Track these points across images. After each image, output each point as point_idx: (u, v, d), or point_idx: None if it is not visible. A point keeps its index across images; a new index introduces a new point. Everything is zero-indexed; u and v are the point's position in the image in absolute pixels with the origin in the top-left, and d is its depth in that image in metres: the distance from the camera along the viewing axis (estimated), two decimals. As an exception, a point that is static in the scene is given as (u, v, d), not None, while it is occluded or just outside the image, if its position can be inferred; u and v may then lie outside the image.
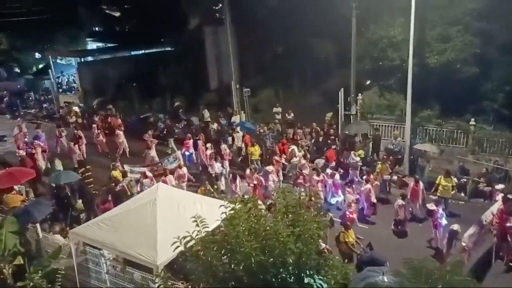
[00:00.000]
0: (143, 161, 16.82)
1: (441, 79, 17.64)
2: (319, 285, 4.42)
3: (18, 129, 19.51)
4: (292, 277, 4.42)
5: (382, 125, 18.69)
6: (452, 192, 12.99)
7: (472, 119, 16.68)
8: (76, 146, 18.00)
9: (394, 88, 19.20)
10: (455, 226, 10.04)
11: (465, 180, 14.69)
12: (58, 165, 15.84)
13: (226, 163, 16.61)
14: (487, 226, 10.14)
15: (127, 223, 8.75)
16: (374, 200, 13.07)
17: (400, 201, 12.09)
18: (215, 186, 14.15)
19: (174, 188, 10.87)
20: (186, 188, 14.04)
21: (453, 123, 17.32)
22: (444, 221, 11.11)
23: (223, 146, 17.28)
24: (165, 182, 13.55)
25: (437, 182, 13.01)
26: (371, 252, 9.62)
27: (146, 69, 27.43)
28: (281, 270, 4.40)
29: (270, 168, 14.60)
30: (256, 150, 16.79)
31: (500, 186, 12.69)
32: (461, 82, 17.32)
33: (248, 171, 14.50)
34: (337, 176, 13.99)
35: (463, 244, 9.39)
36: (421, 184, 12.88)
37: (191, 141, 17.78)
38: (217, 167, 15.53)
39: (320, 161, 15.80)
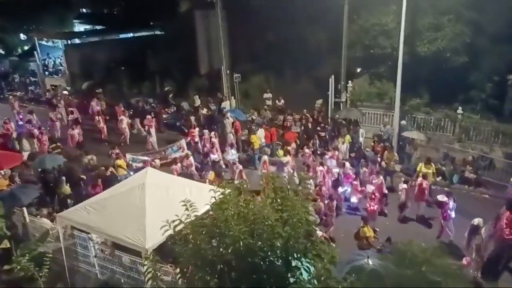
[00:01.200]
0: (145, 149, 16.83)
1: (431, 68, 17.74)
2: (306, 268, 4.48)
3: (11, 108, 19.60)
4: (280, 260, 4.47)
5: (371, 113, 18.84)
6: (433, 179, 13.22)
7: (460, 108, 16.90)
8: (75, 131, 17.82)
9: (385, 76, 19.27)
10: (476, 221, 9.78)
11: (450, 167, 14.94)
12: (26, 145, 15.68)
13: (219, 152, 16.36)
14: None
15: (116, 207, 8.74)
16: (385, 191, 12.96)
17: (403, 185, 12.54)
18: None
19: (163, 173, 10.81)
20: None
21: (441, 112, 17.52)
22: (453, 214, 11.02)
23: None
24: (176, 170, 13.71)
25: (418, 169, 13.29)
26: (391, 246, 9.48)
27: (135, 53, 26.98)
28: (269, 253, 4.44)
29: (285, 159, 14.17)
30: (257, 139, 16.62)
31: None
32: (451, 71, 17.44)
33: (265, 157, 14.59)
34: (347, 164, 13.72)
35: (483, 234, 9.39)
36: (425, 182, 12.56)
37: (196, 130, 17.58)
38: (231, 154, 15.25)
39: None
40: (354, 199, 13.01)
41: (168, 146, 16.45)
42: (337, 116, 18.31)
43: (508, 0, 16.55)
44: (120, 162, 14.08)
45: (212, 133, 17.12)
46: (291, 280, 4.39)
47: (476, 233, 9.53)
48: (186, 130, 19.03)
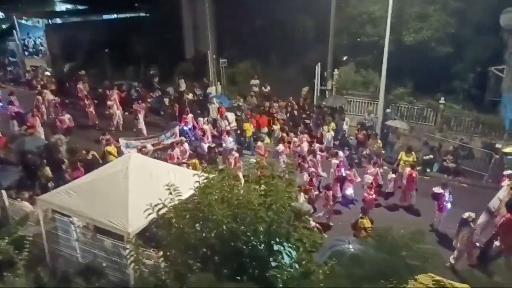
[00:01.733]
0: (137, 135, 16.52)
1: (416, 58, 17.90)
2: (288, 253, 4.54)
3: None
4: (262, 245, 4.51)
5: (356, 101, 18.99)
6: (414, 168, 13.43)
7: (442, 98, 17.19)
8: (66, 116, 17.28)
9: (370, 65, 19.38)
10: (467, 214, 9.78)
11: (431, 156, 15.24)
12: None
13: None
14: (495, 214, 10.00)
15: (98, 191, 8.63)
16: (381, 181, 13.00)
17: (391, 175, 12.80)
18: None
19: (147, 157, 10.72)
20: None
21: (424, 101, 17.79)
22: (449, 205, 11.15)
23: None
24: (172, 157, 13.44)
25: (398, 157, 13.57)
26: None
27: (119, 35, 26.32)
28: (251, 237, 4.47)
29: (280, 147, 13.96)
30: (250, 127, 16.53)
31: (508, 172, 12.07)
32: (435, 61, 17.66)
33: (260, 143, 14.56)
34: (340, 153, 13.61)
35: (476, 230, 9.50)
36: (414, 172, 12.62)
37: (190, 116, 17.31)
38: (229, 141, 15.02)
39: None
40: (349, 191, 12.79)
41: (162, 132, 16.15)
42: (323, 103, 18.39)
43: (492, -8, 16.78)
44: (110, 148, 13.63)
45: (205, 119, 16.91)
46: (273, 264, 4.45)
47: (465, 226, 9.62)
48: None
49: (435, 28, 18.12)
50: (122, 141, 14.46)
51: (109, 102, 18.56)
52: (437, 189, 11.23)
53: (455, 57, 18.17)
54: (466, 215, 9.69)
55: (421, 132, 17.24)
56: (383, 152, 14.97)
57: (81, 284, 8.47)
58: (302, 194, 10.81)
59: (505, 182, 11.48)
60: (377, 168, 12.91)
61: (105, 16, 32.78)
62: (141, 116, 17.72)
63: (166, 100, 19.76)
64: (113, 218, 7.95)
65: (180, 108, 18.83)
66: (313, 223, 9.47)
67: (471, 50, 17.93)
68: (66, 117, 17.16)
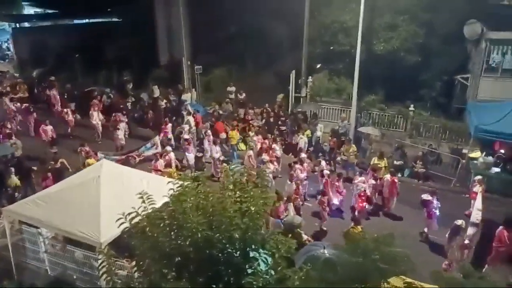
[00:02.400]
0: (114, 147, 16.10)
1: (386, 66, 18.48)
2: (263, 259, 4.55)
3: None
4: (238, 252, 4.51)
5: (330, 108, 19.34)
6: (385, 173, 13.53)
7: (412, 105, 17.76)
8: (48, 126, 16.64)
9: (343, 73, 19.82)
10: (459, 221, 9.78)
11: (401, 162, 15.68)
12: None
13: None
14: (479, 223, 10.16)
15: (69, 200, 8.39)
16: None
17: (371, 181, 12.77)
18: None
19: (119, 165, 10.49)
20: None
21: (394, 108, 18.32)
22: (438, 212, 11.18)
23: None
24: (156, 168, 13.16)
25: (371, 163, 13.88)
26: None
27: (91, 40, 25.79)
28: (227, 245, 4.46)
29: (266, 157, 13.88)
30: (236, 135, 16.44)
31: (478, 177, 12.51)
32: (404, 70, 18.29)
33: (250, 152, 14.38)
34: (323, 163, 13.71)
35: (466, 242, 9.52)
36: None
37: (169, 126, 16.96)
38: (215, 151, 14.76)
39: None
40: (336, 201, 12.57)
41: (142, 144, 15.61)
42: (298, 109, 18.63)
43: (458, 3, 17.58)
44: (91, 161, 13.00)
45: (186, 127, 16.62)
46: (249, 271, 4.44)
47: (458, 234, 9.57)
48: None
49: (404, 38, 18.77)
50: (100, 155, 13.87)
51: (93, 112, 17.88)
52: (426, 196, 11.25)
53: (423, 66, 18.87)
54: (459, 222, 9.66)
55: (392, 138, 17.72)
56: (355, 158, 15.19)
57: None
58: (291, 204, 10.74)
59: (477, 188, 11.89)
60: (363, 177, 12.73)
61: (76, 21, 32.04)
62: (122, 126, 17.00)
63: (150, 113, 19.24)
64: (84, 228, 7.74)
65: (156, 116, 18.55)
66: (305, 236, 9.50)
67: (438, 60, 18.67)
68: (49, 128, 16.42)
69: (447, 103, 18.94)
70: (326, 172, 12.91)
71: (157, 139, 15.88)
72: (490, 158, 14.51)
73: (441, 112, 18.17)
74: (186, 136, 15.85)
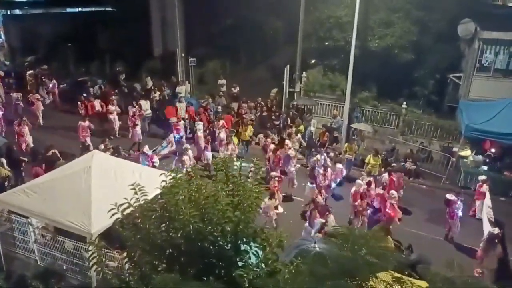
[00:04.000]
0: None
1: (380, 63, 18.53)
2: (254, 252, 4.57)
3: None
4: (229, 245, 4.53)
5: (324, 104, 19.38)
6: (378, 170, 13.84)
7: (404, 103, 17.87)
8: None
9: (337, 69, 19.83)
10: (496, 230, 9.43)
11: (391, 159, 15.81)
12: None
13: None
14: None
15: (59, 191, 8.33)
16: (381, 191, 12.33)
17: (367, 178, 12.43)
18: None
19: (111, 156, 10.43)
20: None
21: (387, 106, 18.42)
22: (460, 212, 11.09)
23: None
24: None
25: (366, 161, 13.93)
26: (417, 254, 8.69)
27: (84, 29, 25.44)
28: (218, 237, 4.47)
29: (292, 152, 13.71)
30: (250, 131, 16.23)
31: (482, 177, 12.58)
32: (398, 67, 18.36)
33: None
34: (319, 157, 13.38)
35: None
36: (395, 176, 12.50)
37: (182, 123, 16.65)
38: (231, 149, 14.40)
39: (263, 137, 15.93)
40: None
41: (158, 145, 15.31)
42: (294, 102, 18.63)
43: (453, 2, 17.66)
44: None
45: (200, 127, 16.09)
46: (240, 264, 4.47)
47: (495, 242, 9.26)
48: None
49: (398, 35, 18.83)
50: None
51: (111, 107, 17.45)
52: (450, 196, 11.16)
53: (416, 64, 18.96)
54: (496, 230, 9.31)
55: (384, 135, 17.87)
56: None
57: (39, 287, 8.14)
58: (332, 216, 10.16)
59: (484, 188, 11.95)
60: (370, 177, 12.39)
61: (69, 9, 31.58)
62: (139, 123, 16.43)
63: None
64: (75, 218, 7.71)
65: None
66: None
67: (432, 58, 18.78)
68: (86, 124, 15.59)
69: (439, 101, 19.10)
70: (360, 182, 11.81)
71: (171, 136, 15.67)
72: (480, 157, 14.72)
73: (433, 110, 18.33)
74: (199, 134, 15.66)
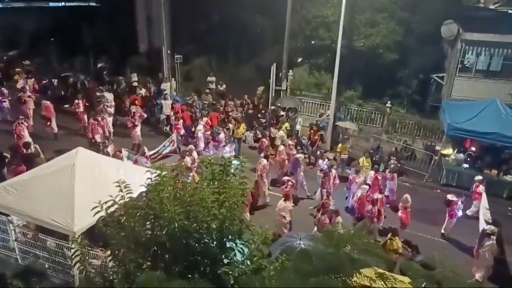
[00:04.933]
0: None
1: (365, 62, 18.75)
2: (240, 249, 4.58)
3: None
4: (215, 242, 4.52)
5: (310, 102, 19.50)
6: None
7: (389, 102, 18.13)
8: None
9: (323, 67, 19.98)
10: (488, 227, 9.61)
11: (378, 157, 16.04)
12: None
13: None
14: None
15: (42, 188, 8.18)
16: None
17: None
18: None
19: (95, 153, 10.26)
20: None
21: (372, 104, 18.66)
22: (460, 213, 11.32)
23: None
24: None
25: (361, 163, 13.91)
26: (424, 257, 8.72)
27: (67, 24, 24.91)
28: (204, 235, 4.46)
29: (300, 156, 13.90)
30: (243, 129, 16.25)
31: (478, 177, 12.79)
32: (382, 66, 18.62)
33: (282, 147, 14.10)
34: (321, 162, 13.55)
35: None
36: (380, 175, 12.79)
37: (181, 122, 16.41)
38: (226, 150, 14.29)
39: (249, 134, 15.96)
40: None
41: (161, 144, 15.17)
42: (278, 104, 18.64)
43: (436, 4, 17.96)
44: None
45: (201, 125, 15.84)
46: (225, 261, 4.47)
47: (487, 240, 9.43)
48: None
49: (383, 35, 19.06)
50: (124, 152, 13.35)
51: (109, 109, 16.94)
52: (451, 197, 11.39)
53: (400, 64, 19.25)
54: (487, 228, 9.51)
55: (369, 134, 18.10)
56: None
57: (19, 286, 7.98)
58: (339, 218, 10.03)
59: (480, 189, 12.18)
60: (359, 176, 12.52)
61: (52, 4, 30.90)
62: (139, 124, 15.94)
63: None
64: (57, 216, 7.58)
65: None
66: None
67: (415, 58, 19.07)
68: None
69: (422, 100, 19.45)
70: (365, 186, 11.81)
71: (174, 136, 15.58)
72: (461, 155, 15.05)
73: (416, 109, 18.65)
74: (200, 133, 15.44)
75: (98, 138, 14.85)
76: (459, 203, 11.32)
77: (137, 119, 15.73)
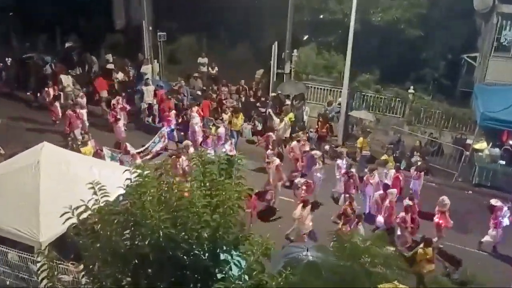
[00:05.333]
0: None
1: (384, 41, 18.74)
2: (236, 262, 4.60)
3: None
4: (207, 254, 4.54)
5: (318, 88, 19.47)
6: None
7: (411, 87, 18.10)
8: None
9: (334, 47, 19.97)
10: None
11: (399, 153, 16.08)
12: None
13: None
14: None
15: (1, 191, 8.18)
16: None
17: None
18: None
19: (62, 149, 10.25)
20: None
21: (391, 91, 18.64)
22: (506, 221, 11.18)
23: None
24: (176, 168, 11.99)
25: (384, 160, 14.15)
26: (461, 274, 8.87)
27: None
28: (193, 245, 4.48)
29: (317, 153, 13.73)
30: (240, 121, 16.34)
31: None
32: (404, 45, 18.64)
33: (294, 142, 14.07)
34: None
35: None
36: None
37: (173, 113, 16.47)
38: (225, 147, 14.21)
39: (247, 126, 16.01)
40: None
41: (150, 141, 15.22)
42: (279, 91, 18.59)
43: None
44: (86, 149, 12.80)
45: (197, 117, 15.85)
46: (219, 276, 4.49)
47: None
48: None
49: (405, 8, 19.04)
50: (106, 151, 13.44)
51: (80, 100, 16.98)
52: (495, 201, 11.37)
53: (425, 42, 19.25)
54: None
55: (388, 125, 18.08)
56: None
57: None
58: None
59: None
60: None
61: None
62: (123, 116, 16.13)
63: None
64: (20, 224, 7.60)
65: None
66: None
67: (443, 35, 19.07)
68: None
69: (451, 85, 19.47)
70: (393, 191, 11.87)
71: (164, 130, 15.59)
72: (497, 150, 15.09)
73: (444, 96, 18.68)
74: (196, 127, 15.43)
75: (77, 133, 14.78)
76: (505, 208, 11.20)
77: (118, 112, 15.58)
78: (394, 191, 11.72)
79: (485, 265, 10.78)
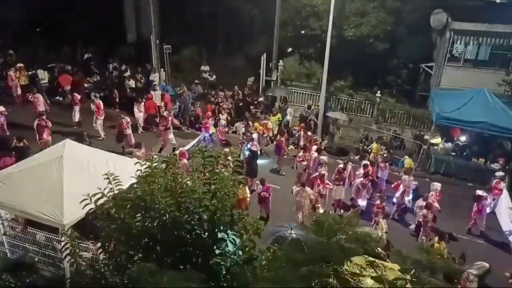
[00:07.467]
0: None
1: (355, 52, 18.74)
2: (231, 240, 4.58)
3: None
4: (206, 233, 4.51)
5: (300, 92, 19.47)
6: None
7: (379, 92, 18.21)
8: None
9: (313, 57, 19.95)
10: None
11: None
12: None
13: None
14: None
15: (30, 181, 8.07)
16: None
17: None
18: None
19: (83, 145, 10.13)
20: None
21: (362, 94, 18.72)
22: (488, 209, 11.30)
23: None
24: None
25: (373, 150, 14.43)
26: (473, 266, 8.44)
27: (53, 13, 24.31)
28: (195, 226, 4.45)
29: (325, 159, 12.99)
30: (259, 127, 15.38)
31: (500, 174, 12.64)
32: (372, 56, 18.65)
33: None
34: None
35: None
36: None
37: (211, 120, 15.51)
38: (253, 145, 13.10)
39: (240, 125, 15.95)
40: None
41: (189, 145, 13.89)
42: (269, 93, 18.61)
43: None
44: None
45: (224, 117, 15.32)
46: (217, 251, 4.47)
47: None
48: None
49: (373, 25, 19.05)
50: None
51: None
52: (481, 192, 11.41)
53: (390, 54, 19.31)
54: None
55: (359, 124, 18.18)
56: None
57: (9, 281, 7.89)
58: (384, 221, 9.75)
59: (502, 185, 12.08)
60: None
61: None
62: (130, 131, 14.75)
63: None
64: (46, 209, 7.50)
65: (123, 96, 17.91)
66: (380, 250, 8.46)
67: (405, 48, 19.14)
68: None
69: (412, 90, 19.58)
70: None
71: (202, 135, 14.78)
72: (449, 144, 15.24)
73: (406, 99, 18.79)
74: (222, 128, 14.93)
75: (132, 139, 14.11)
76: (489, 199, 11.31)
77: (127, 127, 14.39)
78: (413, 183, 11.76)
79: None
